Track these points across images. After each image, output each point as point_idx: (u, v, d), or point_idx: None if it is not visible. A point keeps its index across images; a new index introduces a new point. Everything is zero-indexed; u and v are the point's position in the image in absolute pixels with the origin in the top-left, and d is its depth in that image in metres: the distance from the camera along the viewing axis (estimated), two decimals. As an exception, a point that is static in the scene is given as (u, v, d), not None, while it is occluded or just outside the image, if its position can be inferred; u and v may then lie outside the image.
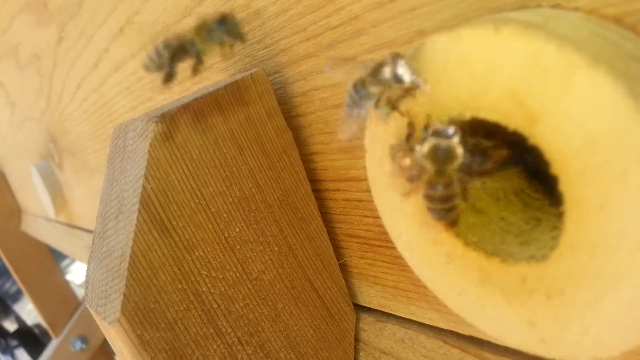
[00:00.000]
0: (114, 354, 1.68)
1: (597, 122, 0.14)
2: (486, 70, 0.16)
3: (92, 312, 0.26)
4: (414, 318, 0.30)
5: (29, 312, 3.07)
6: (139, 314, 0.24)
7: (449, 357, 0.27)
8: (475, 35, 0.16)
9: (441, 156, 0.17)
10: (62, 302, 1.51)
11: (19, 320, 3.31)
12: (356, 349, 0.33)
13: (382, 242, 0.29)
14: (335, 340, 0.32)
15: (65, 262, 2.97)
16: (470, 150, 0.19)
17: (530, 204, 0.21)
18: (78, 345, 1.42)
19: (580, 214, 0.15)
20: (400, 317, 0.31)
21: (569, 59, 0.14)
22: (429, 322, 0.29)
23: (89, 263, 0.28)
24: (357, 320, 0.33)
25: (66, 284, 1.58)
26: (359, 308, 0.34)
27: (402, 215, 0.22)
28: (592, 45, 0.14)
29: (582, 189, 0.15)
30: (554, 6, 0.17)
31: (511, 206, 0.21)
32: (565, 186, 0.15)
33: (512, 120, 0.16)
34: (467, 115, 0.17)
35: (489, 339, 0.25)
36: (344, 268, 0.33)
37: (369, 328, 0.33)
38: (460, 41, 0.16)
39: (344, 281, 0.32)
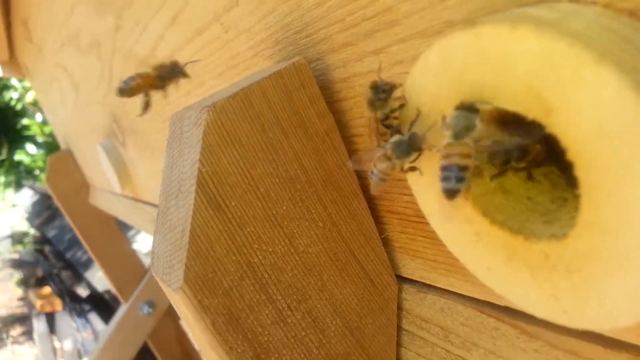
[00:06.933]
0: (180, 318, 1.78)
1: (604, 114, 0.15)
2: (504, 65, 0.17)
3: (158, 280, 0.29)
4: (453, 289, 0.31)
5: (99, 279, 3.27)
6: (199, 282, 0.27)
7: (485, 325, 0.29)
8: (494, 33, 0.17)
9: (461, 127, 0.19)
10: (130, 270, 1.60)
11: (90, 286, 3.54)
12: (399, 317, 0.35)
13: (420, 218, 0.30)
14: (378, 308, 0.34)
15: (132, 232, 3.13)
16: (510, 147, 0.20)
17: (559, 185, 0.22)
18: (146, 309, 1.51)
19: (594, 197, 0.16)
20: (439, 288, 0.32)
21: (578, 55, 0.15)
22: (466, 293, 0.30)
23: (154, 237, 0.32)
24: (400, 290, 0.35)
25: (133, 252, 1.68)
26: (402, 279, 0.36)
27: (433, 194, 0.24)
28: (602, 41, 0.15)
29: (594, 175, 0.16)
30: (571, 0, 0.18)
31: (539, 186, 0.22)
32: (580, 171, 0.17)
33: (530, 110, 0.17)
34: (489, 105, 0.18)
35: (534, 315, 0.27)
36: (386, 242, 0.35)
37: (411, 298, 0.35)
38: (480, 38, 0.18)
39: (386, 254, 0.34)
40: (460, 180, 0.20)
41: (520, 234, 0.20)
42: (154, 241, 0.32)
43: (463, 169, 0.20)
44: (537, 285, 0.20)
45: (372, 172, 0.25)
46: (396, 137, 0.23)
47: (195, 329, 0.29)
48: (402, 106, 0.24)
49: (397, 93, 0.25)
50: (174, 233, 0.29)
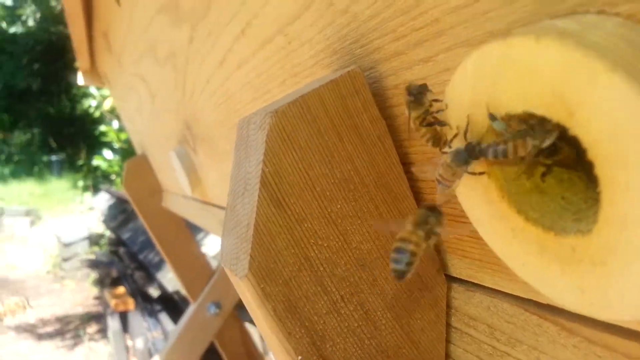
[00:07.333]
0: (244, 320, 1.83)
1: (617, 117, 0.16)
2: (532, 72, 0.19)
3: (226, 270, 0.33)
4: (498, 288, 0.32)
5: (169, 280, 3.42)
6: (262, 272, 0.30)
7: (529, 322, 0.30)
8: (521, 44, 0.19)
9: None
10: (198, 271, 1.68)
11: (161, 287, 3.70)
12: (448, 314, 0.37)
13: (467, 219, 0.32)
14: (428, 305, 0.36)
15: (200, 235, 3.25)
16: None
17: (592, 186, 0.23)
18: (213, 309, 1.58)
19: (612, 193, 0.18)
20: (486, 287, 0.34)
21: (592, 64, 0.17)
22: (511, 291, 0.31)
23: (222, 232, 0.35)
24: (449, 289, 0.37)
25: (202, 254, 1.76)
26: (451, 279, 0.37)
27: (473, 194, 0.25)
28: (616, 50, 0.17)
29: (611, 172, 0.18)
30: (599, 12, 0.19)
31: (574, 187, 0.24)
32: (599, 170, 0.18)
33: (555, 114, 0.19)
34: (519, 109, 0.20)
35: (569, 309, 0.28)
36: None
37: (460, 296, 0.36)
38: (510, 48, 0.19)
39: (435, 254, 0.36)
40: (409, 264, 0.26)
41: (551, 230, 0.22)
42: (222, 236, 0.36)
43: (412, 255, 0.25)
44: (566, 277, 0.22)
45: (437, 181, 0.27)
46: (455, 148, 0.25)
47: (258, 315, 0.32)
48: (439, 111, 0.26)
49: (434, 96, 0.27)
50: (240, 227, 0.33)
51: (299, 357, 0.31)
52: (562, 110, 0.18)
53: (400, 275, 0.26)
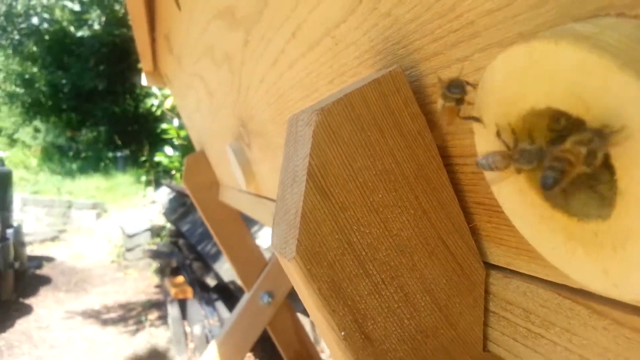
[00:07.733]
0: (297, 310, 1.88)
1: (627, 113, 0.18)
2: (552, 72, 0.21)
3: (276, 253, 0.36)
4: (534, 274, 0.34)
5: (225, 270, 3.53)
6: (308, 255, 0.33)
7: (562, 306, 0.32)
8: (542, 46, 0.21)
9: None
10: (253, 262, 1.74)
11: (217, 277, 3.82)
12: (486, 299, 0.39)
13: (501, 208, 0.34)
14: (466, 290, 0.38)
15: (254, 228, 3.34)
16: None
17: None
18: (265, 298, 1.64)
19: (627, 182, 0.20)
20: (522, 274, 0.35)
21: (606, 65, 0.18)
22: (546, 277, 0.33)
23: (273, 220, 0.38)
24: (487, 275, 0.39)
25: (257, 246, 1.82)
26: (489, 266, 0.39)
27: (504, 184, 0.27)
28: (629, 52, 0.18)
29: (626, 164, 0.19)
30: (618, 15, 0.21)
31: (600, 176, 0.25)
32: (615, 160, 0.20)
33: (574, 109, 0.21)
34: (543, 105, 0.22)
35: (595, 292, 0.29)
36: (474, 231, 0.38)
37: (497, 282, 0.38)
38: (533, 50, 0.21)
39: (473, 241, 0.38)
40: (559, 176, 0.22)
41: (575, 216, 0.23)
42: (273, 223, 0.39)
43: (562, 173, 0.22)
44: (591, 261, 0.23)
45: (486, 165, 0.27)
46: (523, 145, 0.26)
47: (305, 294, 0.35)
48: (462, 100, 0.28)
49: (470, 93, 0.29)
50: (289, 215, 0.36)
51: (343, 333, 0.33)
52: (580, 106, 0.20)
53: (549, 187, 0.23)
